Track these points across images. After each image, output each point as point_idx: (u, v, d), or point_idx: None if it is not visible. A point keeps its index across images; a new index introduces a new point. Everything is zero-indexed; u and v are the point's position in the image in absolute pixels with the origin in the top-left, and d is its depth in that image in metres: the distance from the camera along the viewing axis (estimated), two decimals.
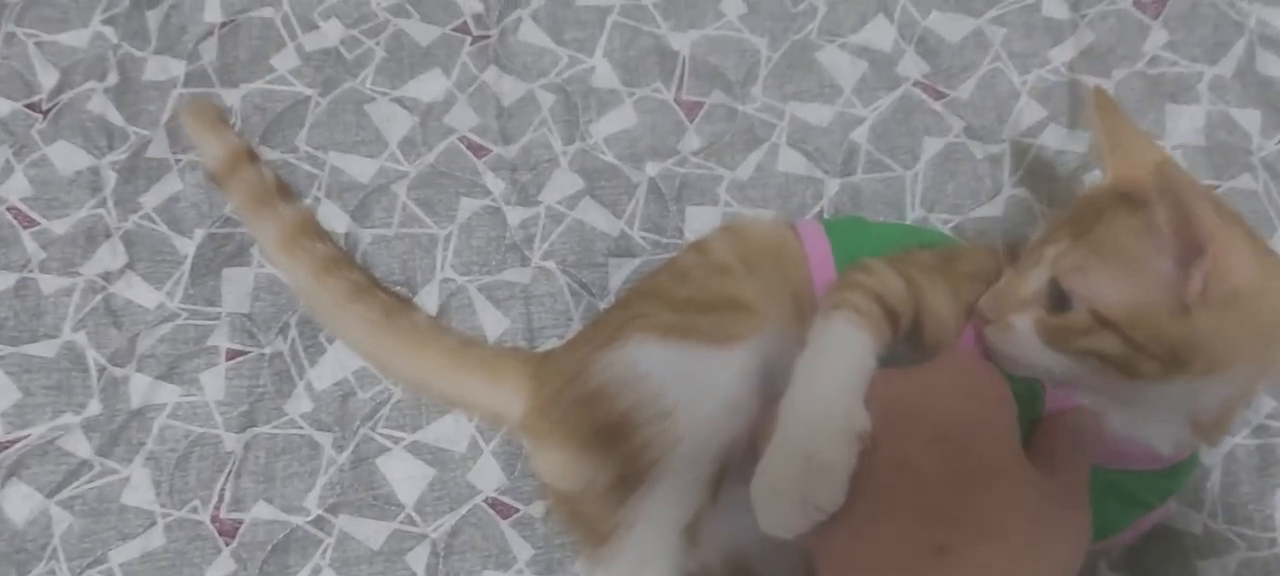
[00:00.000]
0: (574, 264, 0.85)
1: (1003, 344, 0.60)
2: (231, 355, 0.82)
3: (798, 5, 0.94)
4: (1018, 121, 0.89)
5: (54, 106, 0.90)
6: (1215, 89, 0.89)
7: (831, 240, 0.70)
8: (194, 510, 0.78)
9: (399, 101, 0.90)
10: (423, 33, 0.92)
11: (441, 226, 0.86)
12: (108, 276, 0.84)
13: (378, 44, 0.92)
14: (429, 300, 0.84)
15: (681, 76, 0.91)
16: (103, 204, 0.87)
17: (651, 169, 0.88)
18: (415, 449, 0.80)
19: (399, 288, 0.84)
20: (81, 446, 0.80)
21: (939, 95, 0.90)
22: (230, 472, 0.79)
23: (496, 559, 0.78)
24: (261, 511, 0.78)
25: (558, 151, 0.89)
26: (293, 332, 0.83)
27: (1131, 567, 0.77)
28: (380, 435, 0.80)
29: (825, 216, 0.87)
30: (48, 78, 0.91)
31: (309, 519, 0.78)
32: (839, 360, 0.59)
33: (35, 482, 0.79)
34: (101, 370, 0.82)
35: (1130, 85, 0.90)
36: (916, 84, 0.91)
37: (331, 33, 0.92)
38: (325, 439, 0.80)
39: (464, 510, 0.79)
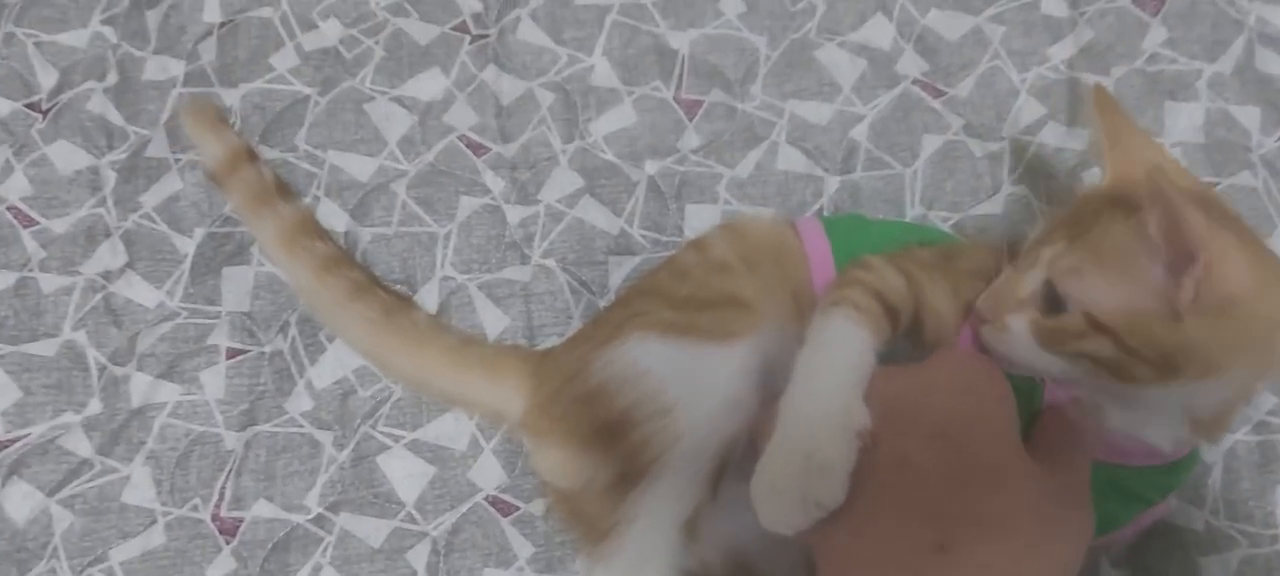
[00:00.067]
0: (574, 262, 0.85)
1: (998, 344, 0.59)
2: (232, 354, 0.82)
3: (796, 4, 0.94)
4: (1017, 119, 0.89)
5: (54, 106, 0.90)
6: (1214, 86, 0.89)
7: (831, 238, 0.70)
8: (194, 508, 0.78)
9: (398, 100, 0.90)
10: (422, 32, 0.92)
11: (441, 225, 0.86)
12: (108, 275, 0.84)
13: (377, 43, 0.92)
14: (429, 298, 0.84)
15: (681, 75, 0.91)
16: (102, 203, 0.87)
17: (651, 167, 0.88)
18: (415, 447, 0.80)
19: (399, 286, 0.84)
20: (82, 445, 0.80)
21: (938, 93, 0.90)
22: (231, 471, 0.79)
23: (497, 557, 0.78)
24: (262, 509, 0.78)
25: (557, 150, 0.89)
26: (293, 331, 0.83)
27: (1133, 565, 0.77)
28: (381, 433, 0.80)
29: (825, 214, 0.87)
30: (47, 77, 0.91)
31: (309, 517, 0.78)
32: (839, 357, 0.59)
33: (36, 481, 0.79)
34: (102, 369, 0.82)
35: (1129, 83, 0.90)
36: (916, 82, 0.91)
37: (330, 32, 0.93)
38: (326, 437, 0.80)
39: (464, 508, 0.79)
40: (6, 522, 0.78)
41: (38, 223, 0.86)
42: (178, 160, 0.88)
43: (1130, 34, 0.91)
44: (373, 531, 0.78)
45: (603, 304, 0.84)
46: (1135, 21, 0.92)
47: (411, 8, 0.94)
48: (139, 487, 0.79)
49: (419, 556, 0.77)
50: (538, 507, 0.78)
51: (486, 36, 0.92)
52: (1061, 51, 0.91)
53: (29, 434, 0.80)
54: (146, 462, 0.79)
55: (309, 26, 0.93)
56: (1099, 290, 0.56)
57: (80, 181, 0.87)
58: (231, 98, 0.90)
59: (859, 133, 0.89)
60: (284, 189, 0.83)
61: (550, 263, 0.85)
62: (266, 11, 0.93)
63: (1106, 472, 0.61)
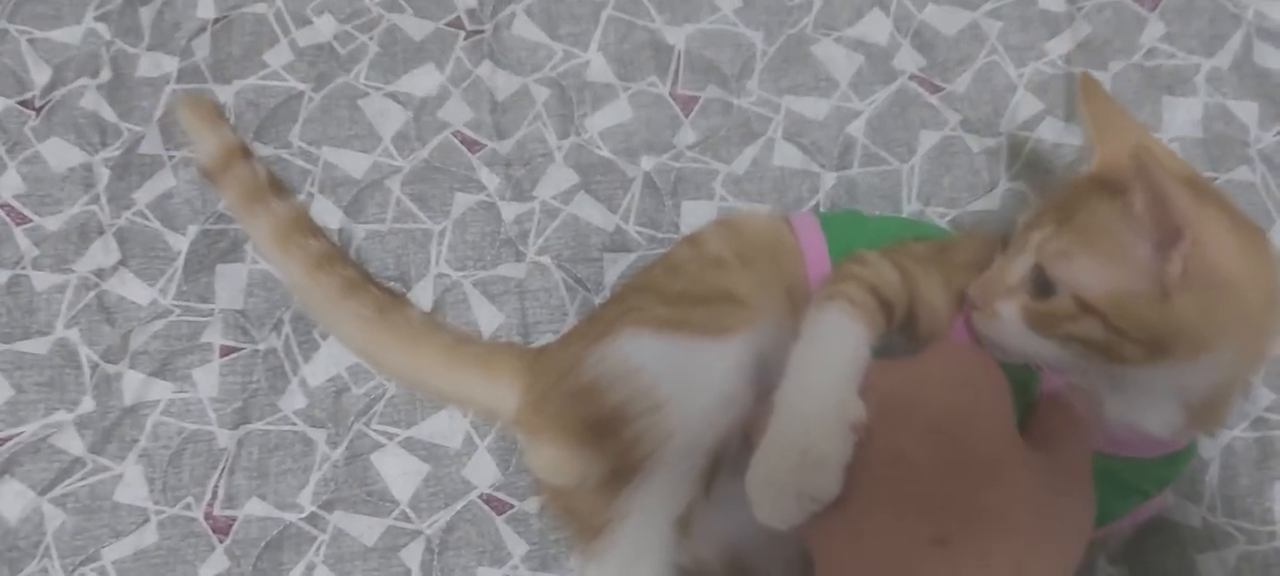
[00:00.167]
0: (569, 259, 0.85)
1: (990, 330, 0.59)
2: (225, 351, 0.82)
3: None
4: (1014, 114, 0.89)
5: (47, 103, 0.89)
6: (1212, 81, 0.89)
7: (826, 234, 0.70)
8: (187, 507, 0.78)
9: (392, 96, 0.90)
10: (416, 27, 0.92)
11: (436, 221, 0.86)
12: (101, 273, 0.84)
13: (371, 39, 0.92)
14: (423, 295, 0.84)
15: (677, 70, 0.91)
16: (96, 200, 0.86)
17: (647, 163, 0.88)
18: (409, 445, 0.80)
19: (393, 283, 0.84)
20: (74, 443, 0.79)
21: (935, 89, 0.90)
22: (223, 469, 0.79)
23: (491, 554, 0.77)
24: (255, 508, 0.78)
25: (552, 146, 0.88)
26: (286, 328, 0.82)
27: (1130, 561, 0.77)
28: (374, 431, 0.80)
29: (821, 210, 0.86)
30: (40, 74, 0.90)
31: (303, 515, 0.78)
32: (833, 351, 0.59)
33: (28, 480, 0.78)
34: (94, 367, 0.81)
35: (1127, 77, 0.89)
36: (913, 77, 0.90)
37: (324, 28, 0.92)
38: (319, 435, 0.80)
39: (459, 506, 0.78)
40: None
41: (30, 220, 0.86)
42: (171, 157, 0.87)
43: (1128, 28, 0.91)
44: (366, 529, 0.78)
45: (598, 301, 0.84)
46: (1133, 16, 0.92)
47: (406, 3, 0.93)
48: (131, 486, 0.78)
49: (413, 554, 0.77)
50: (532, 505, 0.78)
51: (481, 32, 0.92)
52: (1059, 46, 0.91)
53: (21, 432, 0.80)
54: (139, 461, 0.79)
55: (303, 22, 0.92)
56: (1087, 272, 0.56)
57: (73, 179, 0.87)
58: (225, 94, 0.90)
59: (856, 128, 0.89)
60: (277, 186, 0.83)
61: (545, 259, 0.85)
62: (260, 7, 0.93)
63: (1103, 464, 0.60)
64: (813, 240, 0.69)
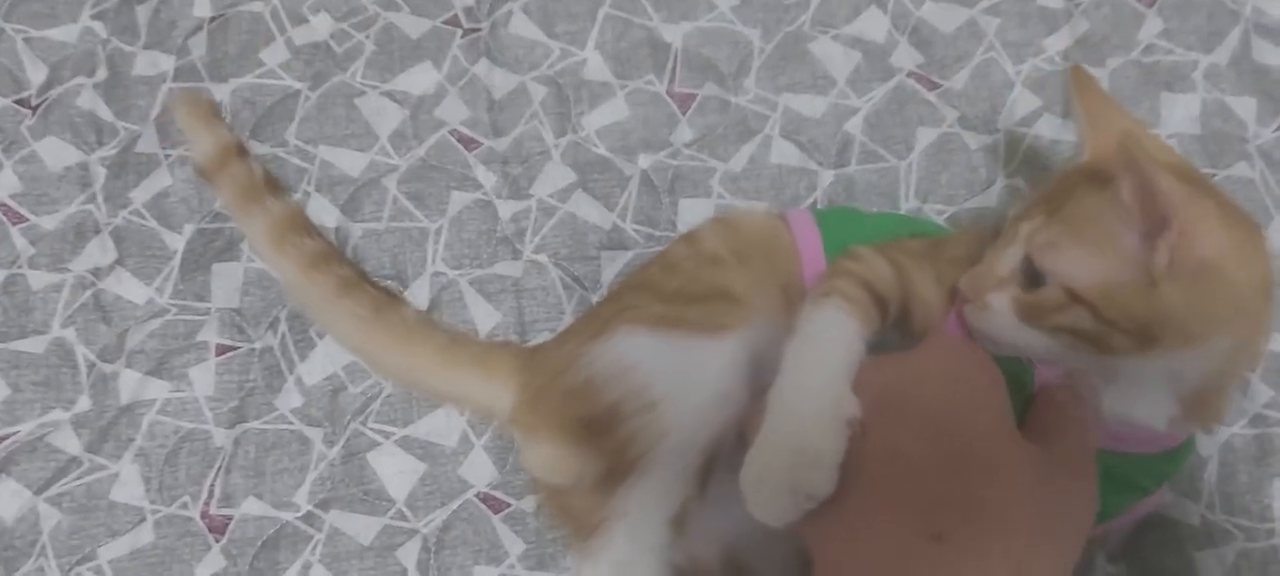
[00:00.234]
0: (566, 257, 0.85)
1: (981, 323, 0.59)
2: (221, 350, 0.82)
3: None
4: (1012, 111, 0.89)
5: (43, 102, 0.89)
6: (1211, 77, 0.89)
7: (822, 231, 0.70)
8: (184, 506, 0.78)
9: (389, 95, 0.90)
10: (413, 25, 0.92)
11: (432, 220, 0.86)
12: (97, 272, 0.84)
13: (368, 37, 0.92)
14: (420, 294, 0.83)
15: (674, 68, 0.91)
16: (92, 199, 0.86)
17: (644, 161, 0.88)
18: (406, 443, 0.80)
19: (390, 282, 0.83)
20: (70, 443, 0.79)
21: (933, 86, 0.90)
22: (220, 468, 0.79)
23: (488, 553, 0.77)
24: (251, 507, 0.78)
25: (549, 144, 0.88)
26: (283, 327, 0.82)
27: (1129, 558, 0.77)
28: (371, 430, 0.80)
29: (819, 207, 0.86)
30: (37, 73, 0.90)
31: (299, 514, 0.78)
32: (827, 347, 0.59)
33: (24, 479, 0.78)
34: (91, 366, 0.81)
35: (1125, 74, 0.89)
36: (910, 75, 0.90)
37: (321, 26, 0.92)
38: (315, 434, 0.80)
39: (455, 505, 0.78)
40: None
41: (27, 219, 0.85)
42: (167, 156, 0.87)
43: (1126, 25, 0.91)
44: (363, 528, 0.78)
45: (595, 299, 0.83)
46: (1131, 12, 0.91)
47: (402, 1, 0.93)
48: (128, 485, 0.78)
49: (409, 554, 0.77)
50: (529, 504, 0.78)
51: (478, 30, 0.92)
52: (1057, 43, 0.91)
53: (17, 431, 0.79)
54: (135, 460, 0.79)
55: (299, 21, 0.92)
56: (1076, 262, 0.56)
57: (70, 178, 0.87)
58: (221, 93, 0.90)
59: (853, 126, 0.89)
60: (274, 185, 0.83)
61: (542, 258, 0.85)
62: (257, 6, 0.93)
63: (1102, 461, 0.60)
64: (808, 237, 0.69)
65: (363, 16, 0.93)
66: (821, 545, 0.57)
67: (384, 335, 0.76)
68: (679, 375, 0.63)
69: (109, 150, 0.88)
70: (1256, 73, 0.89)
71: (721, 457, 0.63)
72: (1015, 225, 0.59)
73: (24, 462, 0.79)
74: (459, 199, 0.86)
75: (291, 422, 0.80)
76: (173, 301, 0.83)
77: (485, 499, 0.78)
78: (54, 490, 0.78)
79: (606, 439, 0.63)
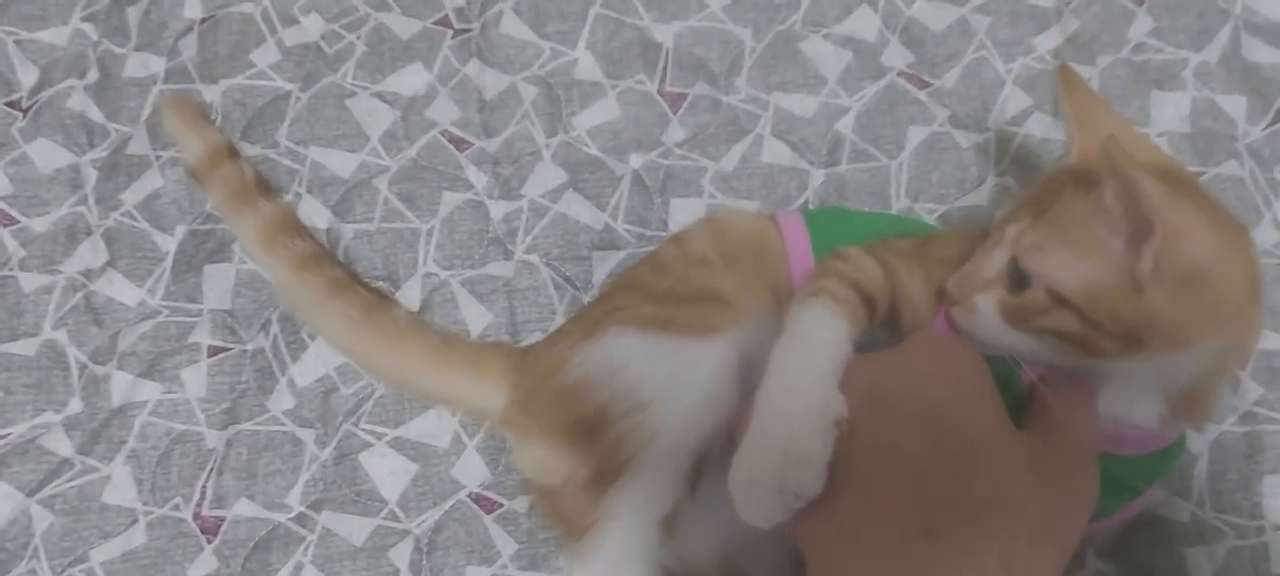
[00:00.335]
0: (557, 257, 0.85)
1: (967, 324, 0.59)
2: (213, 352, 0.82)
3: None
4: (1003, 110, 0.89)
5: (34, 104, 0.89)
6: (1201, 75, 0.89)
7: (811, 231, 0.70)
8: (176, 508, 0.78)
9: (380, 96, 0.90)
10: (403, 26, 0.92)
11: (423, 221, 0.86)
12: (88, 274, 0.84)
13: (358, 38, 0.92)
14: (411, 295, 0.84)
15: (665, 68, 0.91)
16: (83, 201, 0.86)
17: (635, 161, 0.88)
18: (398, 444, 0.80)
19: (381, 283, 0.83)
20: (62, 445, 0.79)
21: (924, 84, 0.90)
22: (212, 470, 0.79)
23: (480, 554, 0.77)
24: (243, 508, 0.78)
25: (540, 144, 0.88)
26: (274, 329, 0.82)
27: (1119, 556, 0.77)
28: (363, 431, 0.80)
29: (810, 207, 0.86)
30: (27, 75, 0.90)
31: (291, 515, 0.78)
32: (815, 347, 0.59)
33: (16, 481, 0.78)
34: (82, 368, 0.81)
35: (1115, 72, 0.89)
36: (901, 74, 0.90)
37: (312, 27, 0.92)
38: (307, 435, 0.80)
39: (447, 505, 0.78)
40: None
41: (18, 221, 0.85)
42: (159, 157, 0.87)
43: (1116, 23, 0.91)
44: (355, 529, 0.78)
45: (587, 299, 0.83)
46: (1121, 11, 0.91)
47: (393, 2, 0.93)
48: (120, 487, 0.78)
49: (402, 554, 0.77)
50: (521, 504, 0.78)
51: (469, 30, 0.92)
52: (1047, 41, 0.91)
53: (9, 434, 0.79)
54: (127, 462, 0.79)
55: (290, 22, 0.92)
56: (1061, 265, 0.56)
57: (61, 179, 0.87)
58: (212, 94, 0.90)
59: (844, 125, 0.89)
60: (264, 186, 0.83)
61: (534, 258, 0.85)
62: (247, 7, 0.93)
63: None
64: (797, 238, 0.69)
65: (353, 17, 0.93)
66: (814, 545, 0.58)
67: (375, 336, 0.76)
68: (669, 376, 0.63)
69: (100, 152, 0.88)
70: (1246, 71, 0.89)
71: (712, 459, 0.63)
72: (1002, 227, 0.59)
73: (15, 465, 0.79)
74: (450, 199, 0.86)
75: (283, 424, 0.80)
76: (164, 303, 0.83)
77: (477, 499, 0.79)
78: (46, 492, 0.78)
79: (597, 440, 0.63)
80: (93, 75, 0.90)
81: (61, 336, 0.82)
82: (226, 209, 0.81)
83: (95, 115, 0.89)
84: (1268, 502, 0.77)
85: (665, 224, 0.86)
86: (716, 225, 0.71)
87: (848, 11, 0.92)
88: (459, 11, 0.93)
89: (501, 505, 0.78)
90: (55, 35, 0.92)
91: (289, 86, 0.90)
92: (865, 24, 0.92)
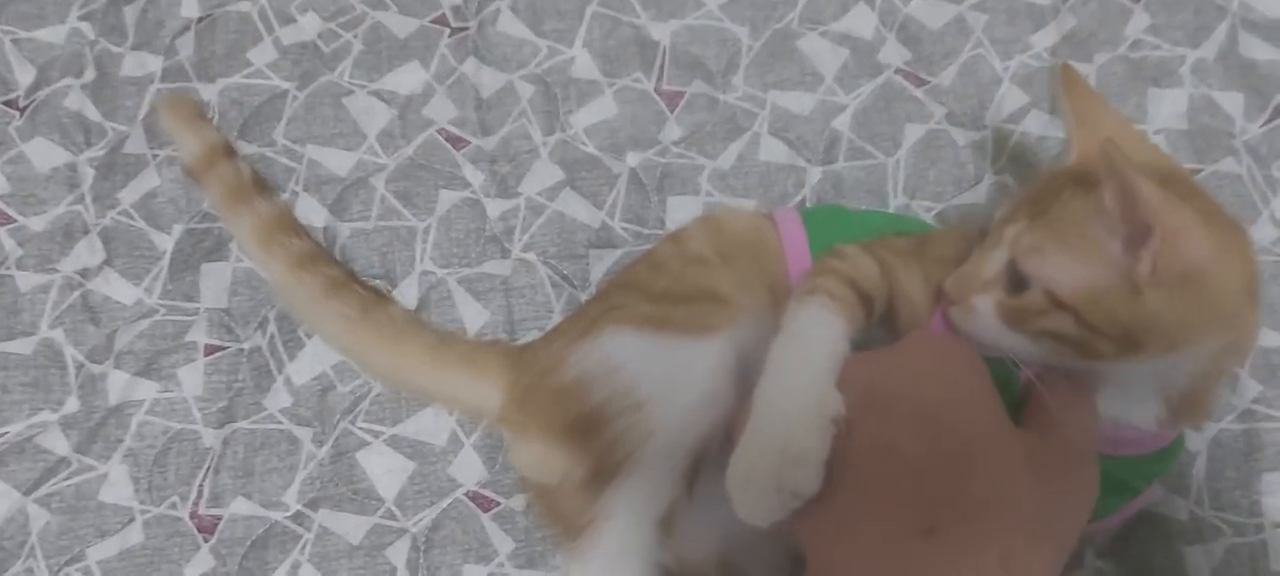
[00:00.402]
0: (555, 255, 0.85)
1: (965, 324, 0.59)
2: (210, 350, 0.82)
3: None
4: (1000, 108, 0.89)
5: (31, 103, 0.89)
6: (1198, 72, 0.89)
7: (808, 229, 0.70)
8: (173, 506, 0.78)
9: (377, 94, 0.90)
10: (400, 25, 0.92)
11: (420, 219, 0.86)
12: (85, 273, 0.84)
13: (355, 37, 0.92)
14: (408, 293, 0.83)
15: (662, 66, 0.91)
16: (80, 200, 0.86)
17: (632, 159, 0.88)
18: (395, 442, 0.80)
19: (378, 281, 0.83)
20: (59, 443, 0.79)
21: (921, 82, 0.90)
22: (209, 468, 0.79)
23: (477, 552, 0.77)
24: (240, 507, 0.78)
25: (537, 143, 0.88)
26: (271, 327, 0.82)
27: (1118, 555, 0.76)
28: (360, 429, 0.80)
29: (807, 205, 0.86)
30: (25, 74, 0.90)
31: (288, 514, 0.78)
32: (812, 345, 0.59)
33: (12, 480, 0.78)
34: (79, 367, 0.81)
35: (1112, 70, 0.89)
36: (898, 71, 0.90)
37: (309, 26, 0.92)
38: (304, 433, 0.80)
39: (444, 504, 0.78)
40: None
41: (15, 220, 0.85)
42: (155, 156, 0.87)
43: (1113, 20, 0.91)
44: (352, 528, 0.77)
45: (584, 297, 0.83)
46: (1118, 8, 0.91)
47: (390, 1, 0.93)
48: (116, 486, 0.78)
49: (399, 553, 0.77)
50: (518, 503, 0.78)
51: (466, 29, 0.92)
52: (1044, 39, 0.91)
53: (6, 432, 0.79)
54: (124, 460, 0.79)
55: (287, 20, 0.92)
56: (1059, 268, 0.56)
57: (58, 178, 0.87)
58: (209, 93, 0.90)
59: (841, 123, 0.89)
60: (261, 185, 0.83)
61: (531, 256, 0.85)
62: (244, 6, 0.93)
63: None
64: (794, 236, 0.69)
65: (350, 16, 0.93)
66: (812, 543, 0.57)
67: (372, 335, 0.76)
68: (666, 375, 0.63)
69: (97, 151, 0.88)
70: (1244, 68, 0.89)
71: (709, 458, 0.63)
72: (1000, 228, 0.59)
73: (12, 463, 0.79)
74: (447, 198, 0.86)
75: (280, 422, 0.80)
76: (161, 302, 0.83)
77: (474, 497, 0.78)
78: (43, 491, 0.78)
79: (594, 438, 0.63)
80: (90, 74, 0.90)
81: (58, 335, 0.82)
82: (223, 208, 0.81)
83: (92, 114, 0.89)
84: (1266, 500, 0.77)
85: (662, 222, 0.86)
86: (714, 223, 0.71)
87: (845, 9, 0.92)
88: (456, 10, 0.93)
89: (499, 503, 0.78)
90: (52, 34, 0.92)
91: (286, 85, 0.90)
92: (862, 22, 0.92)
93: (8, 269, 0.84)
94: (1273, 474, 0.77)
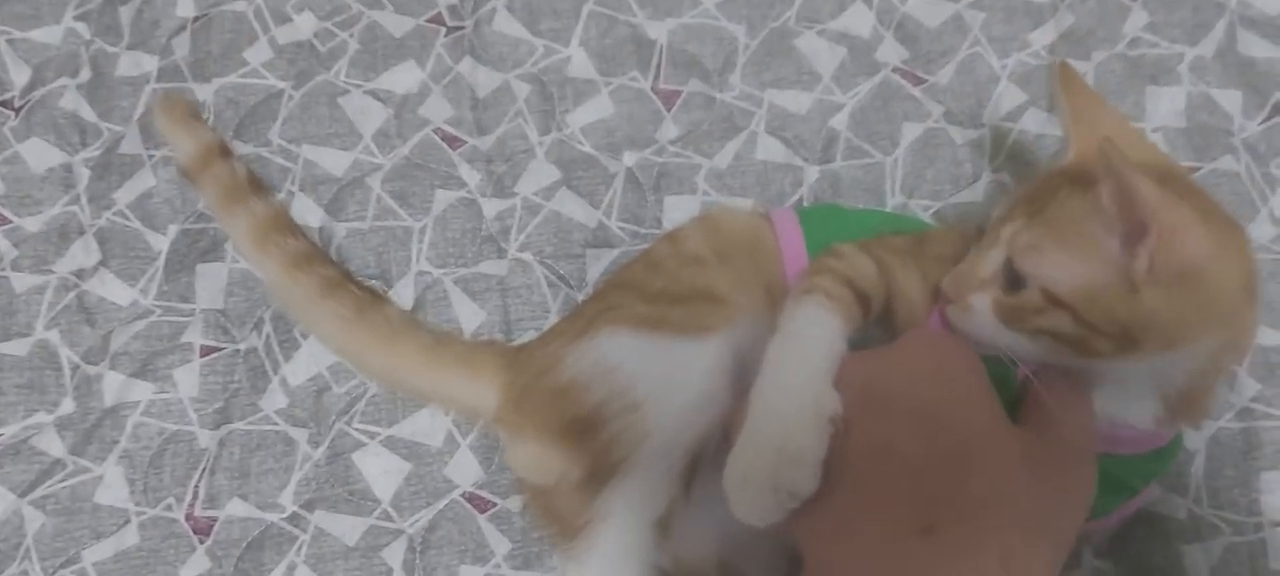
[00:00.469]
0: (551, 255, 0.84)
1: (963, 323, 0.59)
2: (205, 351, 0.82)
3: None
4: (998, 106, 0.88)
5: (26, 103, 0.89)
6: (1196, 70, 0.89)
7: (805, 228, 0.69)
8: (168, 508, 0.78)
9: (373, 94, 0.89)
10: (396, 24, 0.92)
11: (416, 219, 0.85)
12: (81, 274, 0.84)
13: (351, 36, 0.91)
14: (404, 293, 0.83)
15: (659, 65, 0.90)
16: (76, 201, 0.86)
17: (629, 158, 0.87)
18: (391, 443, 0.79)
19: (374, 281, 0.83)
20: (54, 445, 0.79)
21: (918, 81, 0.90)
22: (204, 470, 0.79)
23: (474, 553, 0.77)
24: (236, 508, 0.78)
25: (534, 142, 0.88)
26: (267, 328, 0.82)
27: (1116, 554, 0.76)
28: (356, 430, 0.80)
29: (804, 204, 0.86)
30: (20, 75, 0.90)
31: (284, 515, 0.78)
32: (809, 344, 0.58)
33: (8, 482, 0.78)
34: (75, 368, 0.81)
35: (1110, 67, 0.89)
36: (895, 70, 0.90)
37: (304, 25, 0.92)
38: (300, 434, 0.80)
39: (441, 504, 0.78)
40: None
41: (10, 221, 0.85)
42: (151, 157, 0.87)
43: (1111, 18, 0.91)
44: (348, 529, 0.77)
45: (581, 297, 0.83)
46: (1116, 5, 0.91)
47: (386, 0, 0.93)
48: (112, 487, 0.78)
49: (395, 554, 0.77)
50: (514, 504, 0.78)
51: (462, 28, 0.92)
52: (1042, 37, 0.91)
53: (1, 434, 0.79)
54: (119, 462, 0.79)
55: (283, 20, 0.92)
56: (1056, 266, 0.56)
57: (53, 179, 0.86)
58: (205, 92, 0.89)
59: (839, 121, 0.88)
60: (257, 185, 0.82)
61: (527, 256, 0.84)
62: (240, 5, 0.92)
63: None
64: (791, 235, 0.69)
65: (346, 15, 0.92)
66: (810, 543, 0.57)
67: (367, 335, 0.76)
68: (662, 376, 0.63)
69: (92, 151, 0.87)
70: (1242, 65, 0.88)
71: (706, 458, 0.63)
72: (997, 227, 0.59)
73: (8, 465, 0.78)
74: (443, 197, 0.86)
75: (276, 423, 0.80)
76: (157, 303, 0.83)
77: (471, 498, 0.78)
78: (38, 493, 0.78)
79: (590, 439, 0.63)
80: (85, 74, 0.90)
81: (54, 336, 0.82)
82: (219, 208, 0.81)
83: (88, 114, 0.88)
84: (1265, 499, 0.77)
85: (659, 221, 0.86)
86: (710, 223, 0.71)
87: (842, 8, 0.92)
88: (452, 9, 0.93)
89: (495, 504, 0.78)
90: (48, 34, 0.92)
91: (282, 85, 0.90)
92: (859, 20, 0.92)
93: (3, 270, 0.83)
94: (1271, 472, 0.77)
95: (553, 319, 0.82)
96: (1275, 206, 0.84)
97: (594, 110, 0.89)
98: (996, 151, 0.87)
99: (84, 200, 0.86)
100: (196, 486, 0.78)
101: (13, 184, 0.86)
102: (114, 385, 0.80)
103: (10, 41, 0.91)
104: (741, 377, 0.62)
